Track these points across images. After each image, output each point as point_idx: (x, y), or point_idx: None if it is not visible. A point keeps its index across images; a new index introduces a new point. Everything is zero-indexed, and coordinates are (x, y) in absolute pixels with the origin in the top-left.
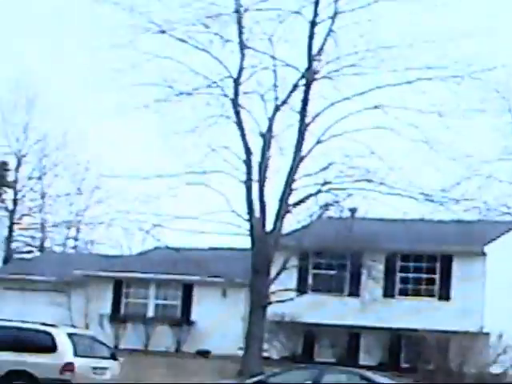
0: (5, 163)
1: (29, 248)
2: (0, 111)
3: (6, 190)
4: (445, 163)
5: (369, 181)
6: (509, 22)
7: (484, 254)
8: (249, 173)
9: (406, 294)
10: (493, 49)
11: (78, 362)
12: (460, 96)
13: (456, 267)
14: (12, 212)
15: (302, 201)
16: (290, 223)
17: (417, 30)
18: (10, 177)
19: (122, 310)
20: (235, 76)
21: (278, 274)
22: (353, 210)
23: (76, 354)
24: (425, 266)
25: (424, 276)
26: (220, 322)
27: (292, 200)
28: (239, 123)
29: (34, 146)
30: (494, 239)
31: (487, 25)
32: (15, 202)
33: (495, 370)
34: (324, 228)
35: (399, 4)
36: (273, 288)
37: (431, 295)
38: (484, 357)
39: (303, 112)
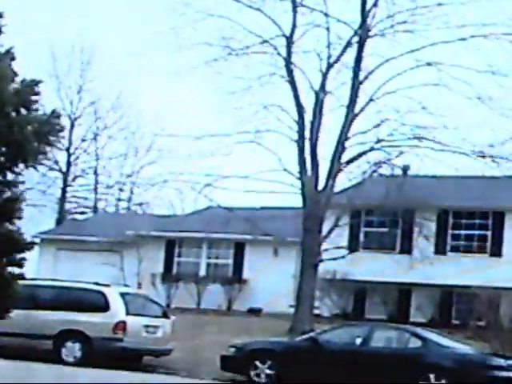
0: (55, 111)
1: (82, 209)
2: (54, 73)
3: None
4: (497, 120)
5: (421, 138)
6: None
7: None
8: (301, 131)
9: (458, 251)
10: None
11: (130, 321)
12: None
13: (508, 223)
14: (65, 173)
15: (354, 159)
16: (341, 181)
17: None
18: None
19: (174, 270)
20: (288, 34)
21: (330, 232)
22: (405, 168)
23: (128, 313)
24: (477, 223)
25: (476, 233)
26: (271, 280)
27: (344, 158)
28: (292, 82)
29: (88, 108)
30: None
31: None
32: (69, 163)
33: None
34: (376, 186)
35: None
36: (324, 246)
37: (483, 252)
38: None
39: (356, 69)
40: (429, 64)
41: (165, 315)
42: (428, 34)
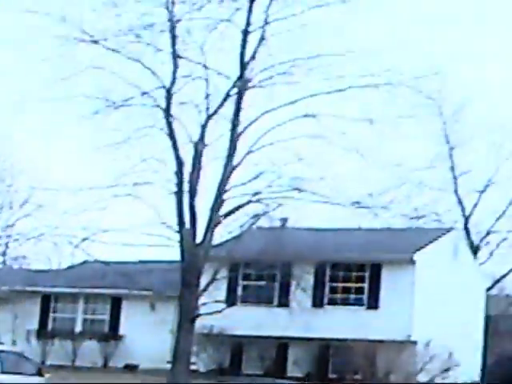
0: None
1: None
2: None
3: None
4: (375, 171)
5: (299, 190)
6: (441, 30)
7: (413, 262)
8: (180, 184)
9: (335, 304)
10: (424, 57)
11: (4, 379)
12: (391, 104)
13: (385, 275)
14: None
15: (232, 211)
16: (220, 234)
17: (348, 38)
18: None
19: (50, 326)
20: (167, 86)
21: (208, 285)
22: (283, 220)
23: (2, 371)
24: (354, 275)
25: (353, 285)
26: (148, 335)
27: (223, 211)
28: (171, 134)
29: None
30: (423, 247)
31: (419, 33)
32: None
33: (422, 378)
34: (254, 239)
35: (331, 12)
36: (202, 300)
37: (360, 304)
38: (411, 365)
39: (235, 121)
40: (307, 115)
41: (39, 373)
42: (307, 85)
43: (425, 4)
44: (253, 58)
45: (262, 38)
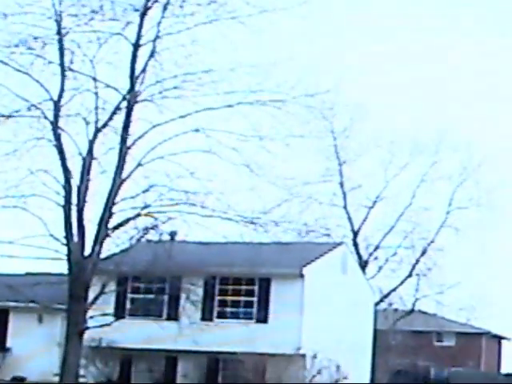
0: None
1: None
2: None
3: None
4: (266, 186)
5: (189, 204)
6: (331, 48)
7: (302, 276)
8: (68, 196)
9: (225, 317)
10: (316, 73)
11: None
12: (281, 119)
13: (274, 289)
14: None
15: (121, 224)
16: (109, 247)
17: (239, 54)
18: None
19: None
20: (56, 98)
21: (96, 298)
22: (172, 234)
23: None
24: (243, 289)
25: (242, 299)
26: (36, 348)
27: (112, 224)
28: (59, 146)
29: None
30: (312, 261)
31: (310, 50)
32: None
33: None
34: (143, 252)
35: (222, 28)
36: (90, 313)
37: (249, 318)
38: (300, 378)
39: (124, 135)
40: (197, 130)
41: None
42: (197, 99)
43: (316, 20)
44: (143, 71)
45: (153, 52)
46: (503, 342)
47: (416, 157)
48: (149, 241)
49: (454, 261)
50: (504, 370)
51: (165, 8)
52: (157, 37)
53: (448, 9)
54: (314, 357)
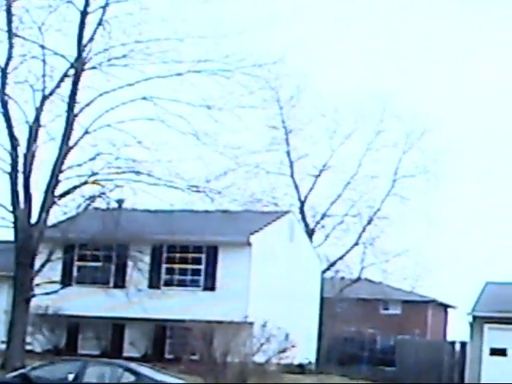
0: None
1: None
2: None
3: None
4: (213, 155)
5: (136, 172)
6: (278, 18)
7: (249, 244)
8: (14, 164)
9: (172, 285)
10: (263, 44)
11: None
12: (229, 89)
13: (221, 257)
14: None
15: (67, 192)
16: (56, 215)
17: (187, 24)
18: None
19: None
20: (2, 65)
21: (42, 266)
22: (120, 202)
23: None
24: (190, 257)
25: (190, 267)
26: None
27: (58, 191)
28: (5, 113)
29: None
30: (259, 229)
31: (258, 21)
32: None
33: (259, 359)
34: (90, 220)
35: None
36: (37, 280)
37: (197, 286)
38: (248, 346)
39: (72, 102)
40: (144, 98)
41: None
42: (145, 68)
43: None
44: (91, 39)
45: (101, 20)
46: (449, 310)
47: (361, 125)
48: (96, 208)
49: (400, 229)
50: (450, 338)
51: None
52: (106, 4)
53: None
54: (264, 325)
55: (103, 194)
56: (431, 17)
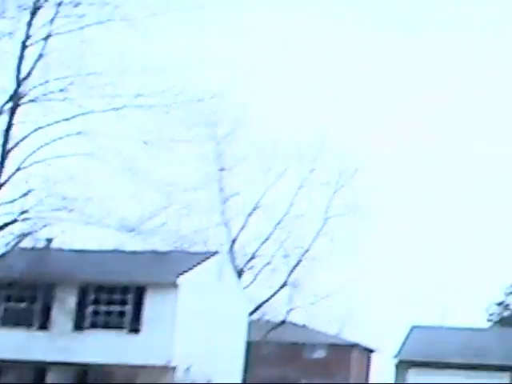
0: None
1: None
2: None
3: None
4: (147, 192)
5: (68, 210)
6: (218, 55)
7: (176, 286)
8: None
9: (97, 327)
10: (199, 80)
11: None
12: (166, 124)
13: (148, 299)
14: None
15: None
16: None
17: (127, 58)
18: None
19: None
20: None
21: None
22: (49, 240)
23: None
24: (117, 298)
25: (116, 308)
26: None
27: None
28: None
29: None
30: (188, 270)
31: (195, 57)
32: None
33: None
34: (18, 258)
35: (112, 30)
36: None
37: (121, 328)
38: None
39: (6, 137)
40: (80, 133)
41: None
42: (83, 102)
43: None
44: (29, 73)
45: (42, 53)
46: (373, 354)
47: (294, 164)
48: (23, 248)
49: (329, 270)
50: (373, 381)
51: (57, 7)
52: (47, 36)
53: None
54: (187, 370)
55: (33, 232)
56: (365, 55)
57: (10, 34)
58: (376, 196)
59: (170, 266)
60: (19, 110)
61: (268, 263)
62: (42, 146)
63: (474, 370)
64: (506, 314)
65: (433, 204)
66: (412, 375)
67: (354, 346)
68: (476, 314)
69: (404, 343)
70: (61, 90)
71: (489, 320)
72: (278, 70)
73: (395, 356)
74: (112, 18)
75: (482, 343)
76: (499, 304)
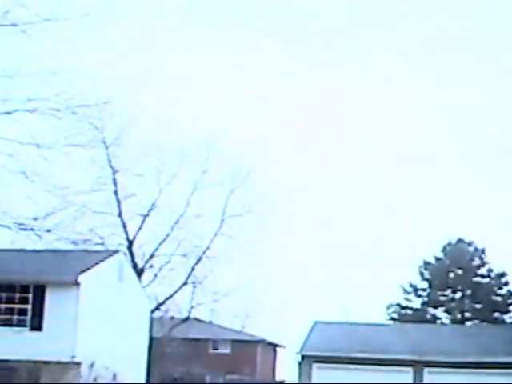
0: None
1: None
2: None
3: None
4: (41, 194)
5: None
6: (108, 60)
7: (77, 284)
8: None
9: None
10: (89, 86)
11: None
12: (59, 128)
13: (49, 297)
14: None
15: None
16: None
17: (19, 63)
18: None
19: None
20: None
21: None
22: None
23: None
24: (18, 296)
25: (16, 306)
26: None
27: None
28: None
29: None
30: (88, 269)
31: (89, 62)
32: None
33: None
34: None
35: (2, 35)
36: None
37: (23, 325)
38: None
39: None
40: None
41: None
42: None
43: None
44: None
45: None
46: (278, 349)
47: (186, 165)
48: None
49: (229, 268)
50: (278, 377)
51: None
52: None
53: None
54: (92, 365)
55: None
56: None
57: None
58: (273, 195)
59: (70, 264)
60: None
61: (167, 262)
62: None
63: (378, 364)
64: (404, 312)
65: (331, 201)
66: (315, 370)
67: (258, 341)
68: (376, 313)
69: (307, 339)
70: None
71: (389, 319)
72: (165, 71)
73: (298, 352)
74: (1, 23)
75: (384, 338)
76: (399, 304)
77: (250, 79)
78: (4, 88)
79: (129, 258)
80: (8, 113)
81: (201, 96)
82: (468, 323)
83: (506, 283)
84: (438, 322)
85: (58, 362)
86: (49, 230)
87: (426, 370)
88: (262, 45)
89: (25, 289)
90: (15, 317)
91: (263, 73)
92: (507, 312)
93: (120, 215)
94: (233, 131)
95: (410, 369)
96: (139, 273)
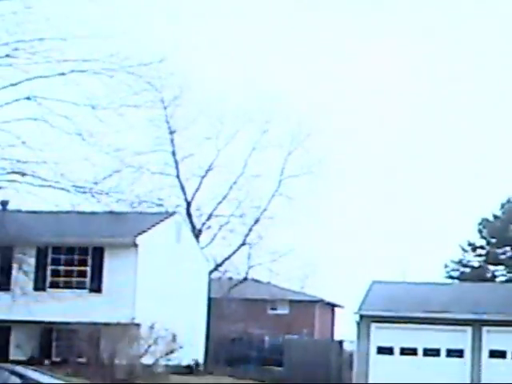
0: None
1: None
2: None
3: None
4: (97, 156)
5: (21, 173)
6: (162, 21)
7: (136, 246)
8: None
9: (58, 287)
10: (147, 44)
11: None
12: (114, 89)
13: (108, 259)
14: None
15: None
16: None
17: (71, 23)
18: None
19: None
20: None
21: None
22: (4, 203)
23: None
24: (76, 259)
25: (75, 268)
26: None
27: None
28: None
29: None
30: (146, 230)
31: (143, 22)
32: None
33: (147, 360)
34: None
35: None
36: None
37: (82, 288)
38: (135, 348)
39: None
40: (28, 98)
41: None
42: (29, 68)
43: None
44: None
45: None
46: (336, 309)
47: (246, 126)
48: None
49: (287, 229)
50: (337, 337)
51: None
52: None
53: None
54: (152, 327)
55: None
56: (316, 19)
57: None
58: (331, 156)
59: (128, 226)
60: None
61: (226, 223)
62: None
63: (436, 324)
64: (463, 270)
65: (389, 162)
66: (373, 330)
67: (317, 301)
68: (435, 272)
69: (365, 298)
70: (6, 56)
71: (447, 277)
72: (227, 31)
73: (356, 312)
74: None
75: (442, 298)
76: (457, 262)
77: (312, 41)
78: (59, 50)
79: (187, 219)
80: (63, 74)
81: (263, 58)
82: None
83: None
84: (497, 280)
85: (118, 324)
86: (107, 193)
87: (485, 328)
88: (321, 5)
89: (83, 251)
90: (74, 279)
91: (322, 35)
92: None
93: (178, 176)
94: (293, 93)
95: (468, 328)
96: (197, 234)
